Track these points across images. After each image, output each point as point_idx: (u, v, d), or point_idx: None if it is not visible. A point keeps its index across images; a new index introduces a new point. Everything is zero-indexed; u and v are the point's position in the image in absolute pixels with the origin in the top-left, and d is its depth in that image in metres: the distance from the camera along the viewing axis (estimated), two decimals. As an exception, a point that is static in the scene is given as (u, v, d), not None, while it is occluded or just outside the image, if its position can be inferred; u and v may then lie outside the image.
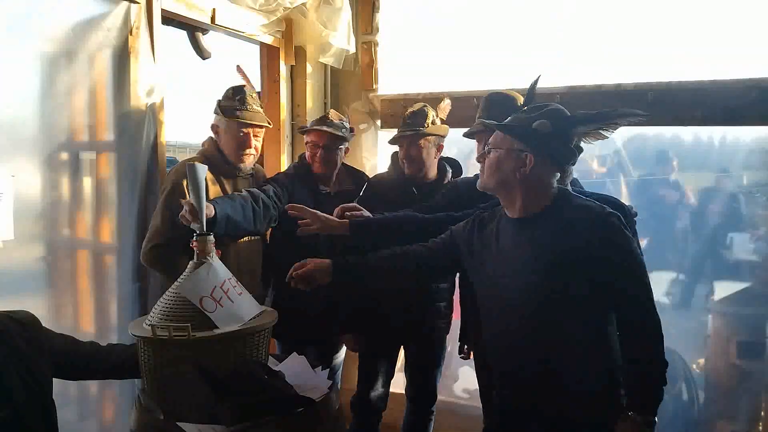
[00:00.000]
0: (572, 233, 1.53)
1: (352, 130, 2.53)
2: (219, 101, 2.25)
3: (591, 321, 1.57)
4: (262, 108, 2.30)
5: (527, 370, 1.62)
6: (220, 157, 2.24)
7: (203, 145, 2.30)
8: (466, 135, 2.13)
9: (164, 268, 2.07)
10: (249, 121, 2.20)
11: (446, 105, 2.50)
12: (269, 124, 2.30)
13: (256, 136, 2.26)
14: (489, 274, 1.68)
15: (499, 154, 1.61)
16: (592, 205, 1.58)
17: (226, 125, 2.22)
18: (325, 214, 2.00)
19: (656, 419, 1.50)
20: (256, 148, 2.28)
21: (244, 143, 2.22)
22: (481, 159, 1.69)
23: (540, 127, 1.55)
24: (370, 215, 2.06)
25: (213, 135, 2.28)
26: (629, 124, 1.63)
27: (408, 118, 2.38)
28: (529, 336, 1.59)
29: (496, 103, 2.10)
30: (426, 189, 2.38)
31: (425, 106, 2.41)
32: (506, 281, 1.63)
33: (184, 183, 2.04)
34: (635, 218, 1.86)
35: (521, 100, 2.05)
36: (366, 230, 2.00)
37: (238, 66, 3.14)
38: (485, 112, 2.09)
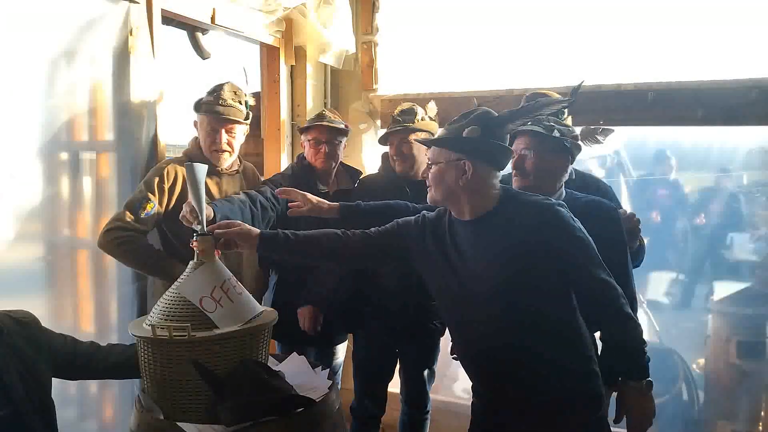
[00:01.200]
0: (523, 228, 1.58)
1: (346, 126, 2.54)
2: (200, 98, 2.23)
3: (557, 309, 1.62)
4: (246, 105, 2.24)
5: (503, 366, 1.64)
6: (200, 155, 2.21)
7: (189, 144, 2.30)
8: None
9: (126, 253, 2.01)
10: (216, 115, 2.15)
11: (433, 107, 2.49)
12: (240, 120, 2.20)
13: (229, 132, 2.19)
14: (448, 274, 1.69)
15: (440, 167, 1.66)
16: (538, 199, 1.64)
17: (199, 120, 2.22)
18: (315, 197, 2.01)
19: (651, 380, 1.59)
20: (230, 145, 2.20)
21: (214, 138, 2.17)
22: (425, 175, 1.73)
23: (470, 133, 1.61)
24: None
25: (196, 133, 2.27)
26: (553, 112, 1.70)
27: (397, 116, 2.39)
28: (498, 330, 1.61)
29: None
30: (418, 187, 2.38)
31: (414, 104, 2.42)
32: (468, 281, 1.65)
33: (155, 181, 2.07)
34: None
35: None
36: (356, 213, 2.02)
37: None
38: None
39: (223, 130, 2.17)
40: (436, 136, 1.74)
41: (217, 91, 2.18)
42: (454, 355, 2.51)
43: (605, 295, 1.57)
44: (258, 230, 1.75)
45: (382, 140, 2.46)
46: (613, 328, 1.60)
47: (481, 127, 1.61)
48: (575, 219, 1.61)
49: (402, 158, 2.36)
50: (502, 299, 1.59)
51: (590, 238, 1.60)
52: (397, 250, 1.81)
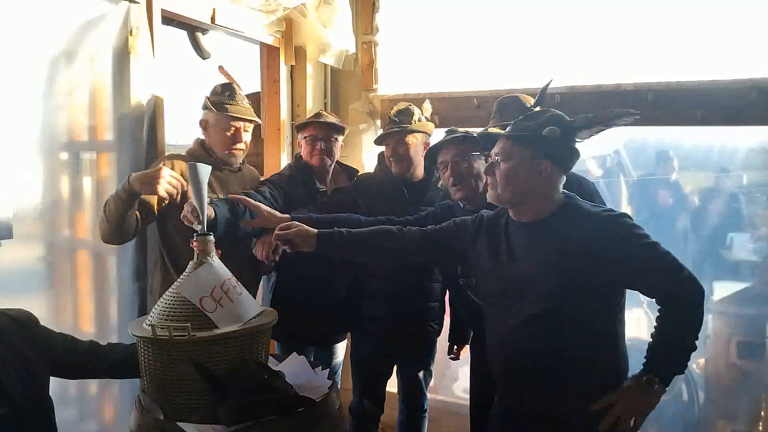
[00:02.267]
0: (585, 237, 1.55)
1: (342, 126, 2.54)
2: (207, 97, 2.24)
3: (603, 321, 1.60)
4: (250, 105, 2.29)
5: (534, 370, 1.62)
6: (205, 154, 2.23)
7: (193, 144, 2.30)
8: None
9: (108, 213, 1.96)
10: (239, 116, 2.19)
11: (428, 107, 2.48)
12: (258, 120, 2.29)
13: (246, 131, 2.25)
14: (497, 275, 1.68)
15: (512, 164, 1.61)
16: (601, 210, 1.62)
17: (216, 120, 2.22)
18: (267, 208, 1.98)
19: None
20: (245, 143, 2.27)
21: (235, 137, 2.21)
22: (487, 170, 1.66)
23: (550, 133, 1.58)
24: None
25: (201, 131, 2.28)
26: (625, 124, 1.65)
27: (394, 116, 2.36)
28: (541, 337, 1.60)
29: (509, 105, 2.10)
30: (415, 189, 2.37)
31: (410, 104, 2.40)
32: (515, 283, 1.63)
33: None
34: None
35: (531, 102, 2.07)
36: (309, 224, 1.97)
37: (220, 66, 3.16)
38: (499, 115, 2.09)
39: (242, 128, 2.22)
40: (507, 132, 1.66)
41: (229, 90, 2.22)
42: (451, 356, 2.52)
43: (685, 295, 1.52)
44: (315, 230, 1.76)
45: (378, 141, 2.44)
46: (682, 326, 1.52)
47: (561, 129, 1.59)
48: (640, 227, 1.58)
49: (399, 160, 2.34)
50: (548, 304, 1.57)
51: (660, 244, 1.56)
52: (453, 248, 1.80)
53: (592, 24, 3.27)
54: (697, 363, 3.60)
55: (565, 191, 1.68)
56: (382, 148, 2.45)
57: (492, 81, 3.01)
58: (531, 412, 1.67)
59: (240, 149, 2.25)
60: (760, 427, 3.11)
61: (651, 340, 1.57)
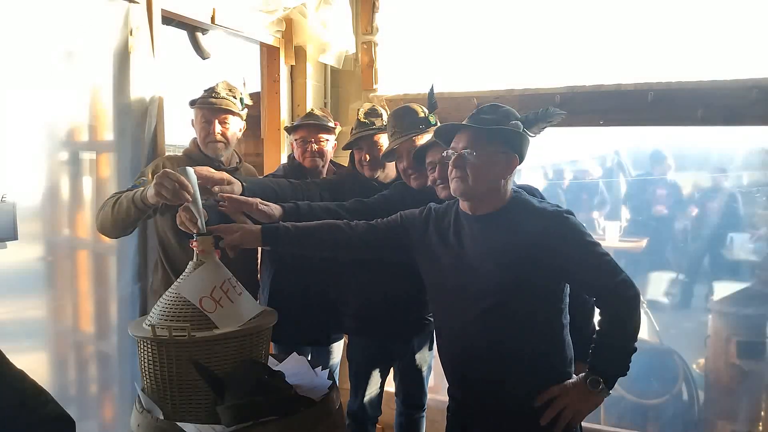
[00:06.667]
0: (531, 233, 1.57)
1: (335, 125, 2.53)
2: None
3: (547, 314, 1.62)
4: (242, 101, 2.27)
5: (480, 364, 1.64)
6: (200, 153, 2.24)
7: (189, 144, 2.32)
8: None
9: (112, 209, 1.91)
10: (204, 105, 2.18)
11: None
12: (233, 110, 2.22)
13: (222, 123, 2.21)
14: (446, 267, 1.69)
15: (486, 157, 1.60)
16: (547, 206, 1.64)
17: (194, 116, 2.25)
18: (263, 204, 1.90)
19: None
20: (224, 135, 2.22)
21: (206, 130, 2.20)
22: (458, 163, 1.62)
23: (516, 127, 1.59)
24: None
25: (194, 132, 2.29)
26: (557, 122, 1.68)
27: (364, 119, 2.31)
28: (490, 331, 1.62)
29: (404, 115, 2.12)
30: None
31: (375, 105, 2.36)
32: (464, 276, 1.64)
33: (151, 169, 2.07)
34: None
35: (420, 112, 2.11)
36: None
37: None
38: (399, 125, 2.10)
39: (217, 121, 2.20)
40: (479, 125, 1.61)
41: (211, 87, 2.22)
42: None
43: (620, 296, 1.54)
44: (259, 226, 1.75)
45: (349, 146, 2.35)
46: (617, 325, 1.56)
47: (522, 124, 1.60)
48: (584, 226, 1.60)
49: (374, 163, 2.29)
50: (494, 298, 1.60)
51: (601, 245, 1.58)
52: (400, 241, 1.80)
53: (592, 24, 3.27)
54: (697, 363, 3.61)
55: (514, 187, 1.71)
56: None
57: (492, 81, 3.02)
58: (479, 405, 1.69)
59: (217, 141, 2.21)
60: (760, 427, 3.11)
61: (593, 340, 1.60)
